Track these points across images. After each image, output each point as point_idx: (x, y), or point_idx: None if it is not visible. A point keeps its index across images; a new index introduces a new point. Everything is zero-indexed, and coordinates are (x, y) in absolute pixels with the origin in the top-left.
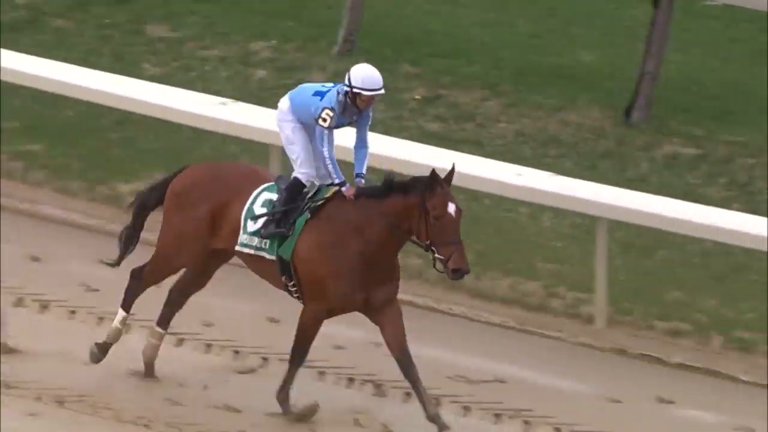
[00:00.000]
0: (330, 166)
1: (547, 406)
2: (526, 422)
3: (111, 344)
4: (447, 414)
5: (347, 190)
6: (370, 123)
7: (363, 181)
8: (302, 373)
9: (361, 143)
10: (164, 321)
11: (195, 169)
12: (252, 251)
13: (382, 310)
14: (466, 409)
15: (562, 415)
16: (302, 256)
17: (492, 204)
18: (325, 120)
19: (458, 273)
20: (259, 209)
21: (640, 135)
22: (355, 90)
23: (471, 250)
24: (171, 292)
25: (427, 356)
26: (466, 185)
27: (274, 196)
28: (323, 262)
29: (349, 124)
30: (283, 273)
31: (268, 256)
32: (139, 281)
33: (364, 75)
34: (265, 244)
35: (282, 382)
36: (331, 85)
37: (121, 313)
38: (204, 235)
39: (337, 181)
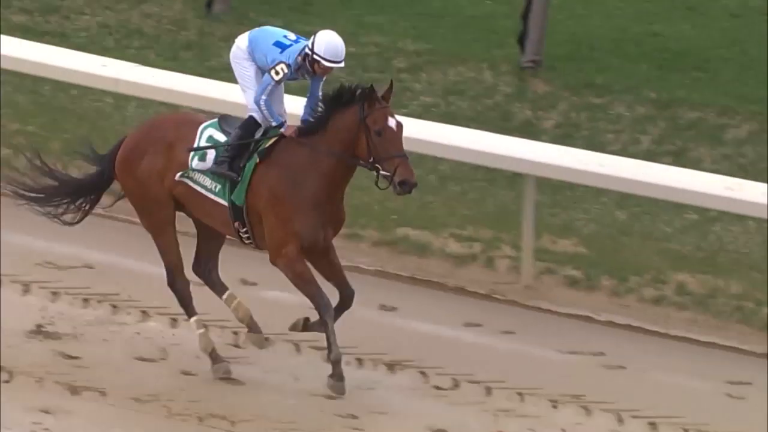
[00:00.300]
0: (265, 111)
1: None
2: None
3: (213, 349)
4: None
5: (287, 129)
6: (323, 81)
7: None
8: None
9: (313, 95)
10: (220, 288)
11: (131, 134)
12: (200, 189)
13: (321, 251)
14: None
15: None
16: (259, 203)
17: (79, 94)
18: (277, 74)
19: (405, 186)
20: (203, 145)
21: (221, 26)
22: (315, 56)
23: (60, 139)
24: (195, 269)
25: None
26: (52, 76)
27: (219, 135)
28: (280, 205)
29: (296, 79)
30: (235, 219)
31: (219, 200)
32: (173, 279)
33: (328, 44)
34: (216, 187)
35: (327, 345)
36: (294, 38)
37: (193, 320)
38: (159, 185)
39: (274, 123)
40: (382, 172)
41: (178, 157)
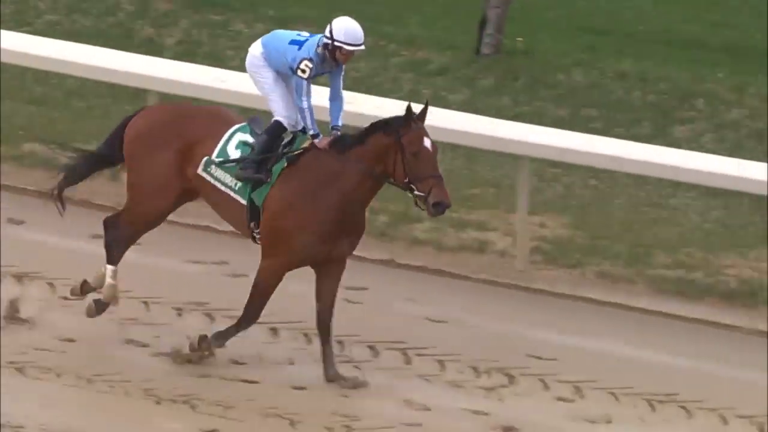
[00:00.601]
0: (308, 118)
1: None
2: None
3: (108, 303)
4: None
5: (320, 141)
6: (343, 74)
7: (339, 133)
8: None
9: (336, 95)
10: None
11: (155, 111)
12: (222, 187)
13: (330, 263)
14: None
15: None
16: (272, 207)
17: None
18: (304, 71)
19: (439, 207)
20: (233, 150)
21: None
22: (336, 43)
23: None
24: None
25: None
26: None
27: (249, 138)
28: (291, 215)
29: (321, 74)
30: (251, 219)
31: (238, 198)
32: (117, 230)
33: (347, 28)
34: (236, 185)
35: (224, 332)
36: (307, 34)
37: (110, 268)
38: (175, 175)
39: (312, 132)
40: (416, 192)
41: (203, 153)
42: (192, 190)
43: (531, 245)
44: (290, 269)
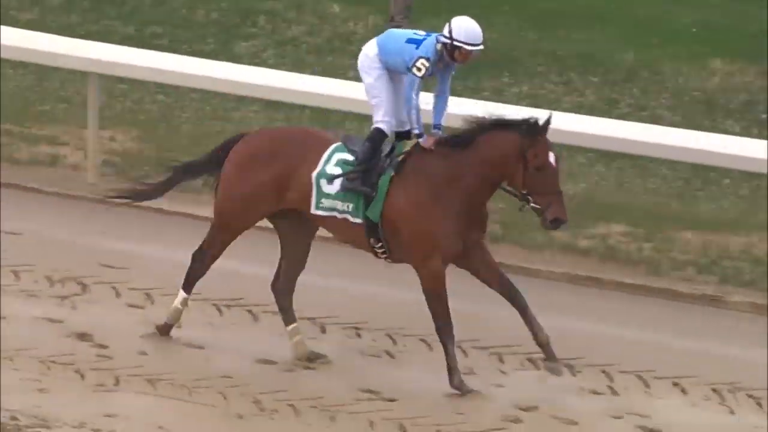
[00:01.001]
0: (414, 115)
1: None
2: None
3: (172, 325)
4: None
5: (425, 141)
6: (453, 73)
7: (440, 132)
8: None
9: (443, 93)
10: (288, 316)
11: (255, 137)
12: (336, 215)
13: (471, 253)
14: None
15: None
16: (400, 216)
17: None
18: (419, 69)
19: (557, 223)
20: (332, 170)
21: None
22: (456, 43)
23: None
24: (273, 289)
25: None
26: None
27: (347, 156)
28: (424, 216)
29: (432, 75)
30: (370, 235)
31: (353, 219)
32: (201, 261)
33: (468, 28)
34: (349, 206)
35: (448, 367)
36: (424, 33)
37: (182, 294)
38: (268, 198)
39: (417, 131)
40: (532, 204)
41: (302, 177)
42: (279, 212)
43: (101, 159)
44: (446, 264)
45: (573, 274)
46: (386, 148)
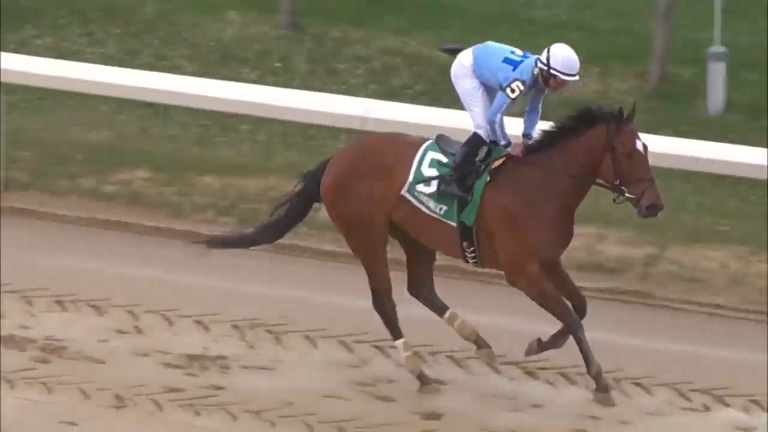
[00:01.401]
0: (498, 130)
1: None
2: None
3: (419, 375)
4: None
5: (514, 149)
6: (545, 94)
7: (529, 141)
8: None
9: (534, 109)
10: (439, 307)
11: (340, 156)
12: (426, 211)
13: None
14: None
15: None
16: (494, 222)
17: None
18: (513, 91)
19: (653, 209)
20: (427, 170)
21: None
22: (552, 71)
23: None
24: (412, 292)
25: None
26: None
27: (441, 156)
28: (522, 222)
29: (525, 95)
30: (463, 239)
31: (447, 221)
32: (381, 302)
33: (565, 57)
34: (441, 209)
35: (585, 359)
36: (521, 54)
37: (398, 343)
38: (381, 205)
39: (503, 142)
40: (627, 194)
41: (399, 181)
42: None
43: None
44: (542, 265)
45: (100, 218)
46: (482, 153)
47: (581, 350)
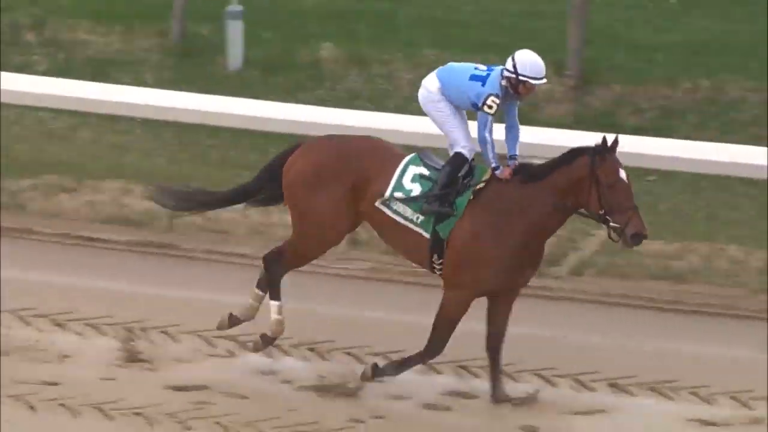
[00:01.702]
0: (489, 152)
1: None
2: None
3: (275, 338)
4: None
5: (502, 172)
6: (519, 104)
7: (516, 162)
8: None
9: (513, 124)
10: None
11: (316, 149)
12: (401, 220)
13: (508, 292)
14: None
15: None
16: (460, 239)
17: None
18: (491, 107)
19: (637, 237)
20: (409, 183)
21: None
22: (521, 77)
23: None
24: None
25: None
26: None
27: (423, 170)
28: (479, 247)
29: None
30: (434, 251)
31: (420, 232)
32: (278, 266)
33: (532, 63)
34: (418, 218)
35: (404, 360)
36: (485, 68)
37: (275, 304)
38: (347, 213)
39: (493, 165)
40: (612, 224)
41: (375, 191)
42: (358, 223)
43: None
44: (476, 298)
45: None
46: (464, 170)
47: (404, 362)
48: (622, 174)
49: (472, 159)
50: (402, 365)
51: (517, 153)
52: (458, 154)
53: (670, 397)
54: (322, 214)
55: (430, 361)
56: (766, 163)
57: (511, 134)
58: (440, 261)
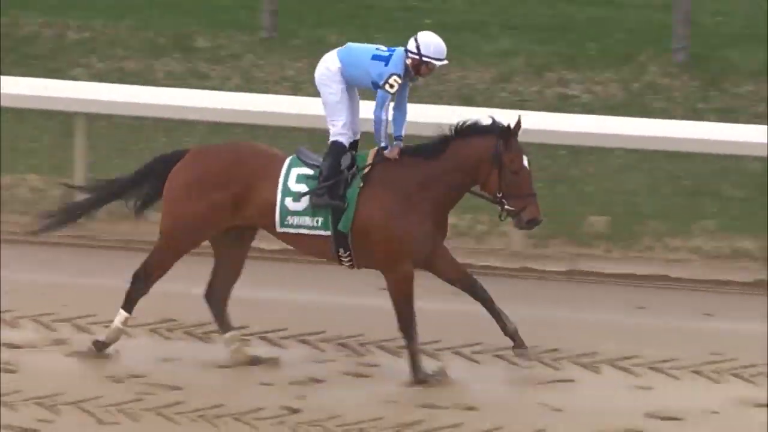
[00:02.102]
0: (382, 129)
1: None
2: None
3: (109, 344)
4: None
5: (390, 152)
6: (411, 85)
7: (401, 143)
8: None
9: (401, 105)
10: (224, 325)
11: (203, 157)
12: (305, 231)
13: (435, 255)
14: None
15: None
16: (371, 224)
17: None
18: (392, 86)
19: (533, 222)
20: (294, 185)
21: None
22: (425, 59)
23: None
24: (207, 298)
25: None
26: None
27: (305, 170)
28: (395, 223)
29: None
30: (339, 246)
31: (323, 233)
32: (143, 281)
33: (436, 44)
34: (318, 222)
35: (411, 365)
36: (386, 48)
37: (122, 313)
38: (223, 218)
39: (382, 144)
40: (507, 207)
41: (263, 195)
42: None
43: None
44: (415, 269)
45: None
46: (345, 162)
47: (411, 355)
48: (526, 161)
49: (352, 147)
50: (414, 360)
51: (402, 135)
52: (335, 143)
53: None
54: (196, 213)
55: (416, 338)
56: None
57: (399, 115)
58: (347, 254)
